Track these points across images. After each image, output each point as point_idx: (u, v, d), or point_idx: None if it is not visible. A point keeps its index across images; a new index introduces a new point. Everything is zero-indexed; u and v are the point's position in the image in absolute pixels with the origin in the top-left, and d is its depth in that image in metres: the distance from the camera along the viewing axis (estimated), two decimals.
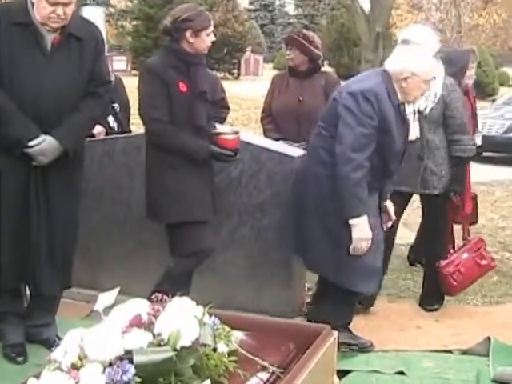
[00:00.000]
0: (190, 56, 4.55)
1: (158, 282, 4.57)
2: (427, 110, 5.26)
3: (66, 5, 3.99)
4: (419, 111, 5.24)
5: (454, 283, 5.47)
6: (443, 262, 5.47)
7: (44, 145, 4.08)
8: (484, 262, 5.60)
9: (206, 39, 4.56)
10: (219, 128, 4.64)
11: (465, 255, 5.54)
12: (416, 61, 4.53)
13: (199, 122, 4.55)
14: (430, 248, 5.69)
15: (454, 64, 6.32)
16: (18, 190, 4.16)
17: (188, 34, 4.50)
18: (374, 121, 4.38)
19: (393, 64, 4.56)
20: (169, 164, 4.51)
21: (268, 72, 31.51)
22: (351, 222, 4.38)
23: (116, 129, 6.33)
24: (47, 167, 4.15)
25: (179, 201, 4.52)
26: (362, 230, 4.39)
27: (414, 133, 5.12)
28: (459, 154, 5.37)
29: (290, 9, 68.36)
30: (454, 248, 5.68)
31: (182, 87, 4.49)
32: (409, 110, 5.03)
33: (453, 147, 5.37)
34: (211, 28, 4.58)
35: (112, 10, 49.07)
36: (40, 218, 4.20)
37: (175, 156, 4.49)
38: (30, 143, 4.06)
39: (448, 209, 5.55)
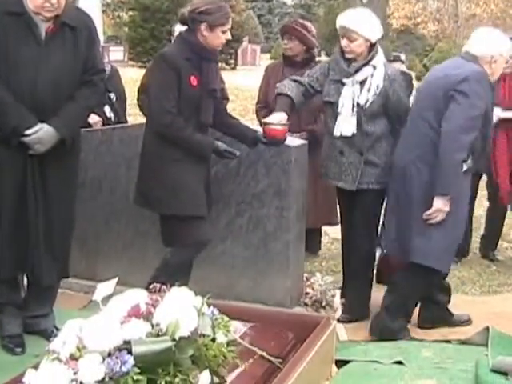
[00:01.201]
0: (204, 50, 4.50)
1: (154, 273, 4.56)
2: (368, 104, 4.98)
3: None
4: (358, 105, 4.97)
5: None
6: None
7: (41, 133, 4.07)
8: None
9: (221, 36, 4.49)
10: (268, 119, 4.79)
11: None
12: (501, 42, 4.68)
13: (205, 119, 4.54)
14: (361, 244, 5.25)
15: None
16: (15, 180, 4.15)
17: (203, 26, 4.44)
18: (482, 103, 4.52)
19: (482, 48, 4.66)
20: (170, 156, 4.49)
21: (265, 62, 31.42)
22: (438, 197, 4.54)
23: (113, 119, 6.33)
24: (44, 157, 4.14)
25: (175, 195, 4.49)
26: (444, 205, 4.54)
27: (350, 128, 4.99)
28: None
29: None
30: None
31: (193, 81, 4.45)
32: (347, 104, 4.97)
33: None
34: (228, 26, 4.50)
35: (109, 0, 48.97)
36: (37, 208, 4.20)
37: (177, 148, 4.47)
38: (27, 132, 4.05)
39: (380, 202, 5.24)
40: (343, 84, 5.00)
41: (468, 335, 4.82)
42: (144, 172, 4.64)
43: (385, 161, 5.05)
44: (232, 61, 37.56)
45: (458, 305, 5.55)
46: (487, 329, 4.72)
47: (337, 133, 5.03)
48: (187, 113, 4.46)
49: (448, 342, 4.81)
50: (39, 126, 4.07)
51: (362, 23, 4.93)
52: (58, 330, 3.60)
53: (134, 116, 9.11)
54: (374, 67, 4.97)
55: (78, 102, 4.23)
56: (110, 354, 2.57)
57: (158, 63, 4.59)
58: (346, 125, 4.99)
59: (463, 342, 4.76)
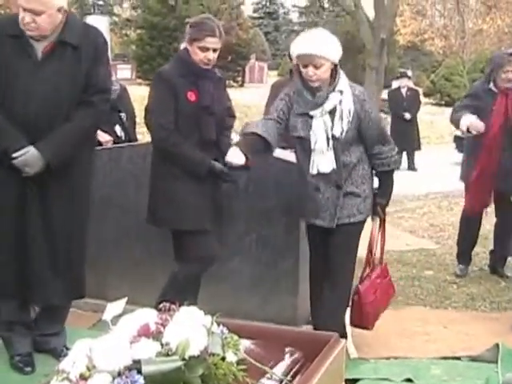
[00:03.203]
0: (194, 66, 4.55)
1: (162, 291, 4.59)
2: (344, 134, 4.42)
3: (34, 13, 3.96)
4: (334, 137, 4.41)
5: (372, 312, 4.79)
6: (362, 288, 4.73)
7: (27, 156, 4.03)
8: (391, 291, 5.02)
9: (198, 52, 4.52)
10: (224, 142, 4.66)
11: (378, 281, 4.85)
12: None
13: (207, 135, 4.56)
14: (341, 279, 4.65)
15: (488, 64, 6.43)
16: (13, 200, 4.14)
17: (186, 39, 4.57)
18: None
19: None
20: (171, 173, 4.54)
21: (272, 79, 31.54)
22: None
23: (123, 138, 6.36)
24: (42, 176, 4.11)
25: (176, 210, 4.54)
26: None
27: (329, 164, 4.45)
28: (382, 168, 4.61)
29: (294, 16, 68.43)
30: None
31: (191, 97, 4.49)
32: (321, 138, 4.42)
33: (375, 162, 4.59)
34: (204, 43, 4.50)
35: (116, 19, 49.24)
36: (37, 227, 4.16)
37: (177, 165, 4.50)
38: (14, 154, 4.03)
39: (359, 237, 4.68)
40: (311, 117, 4.44)
41: (478, 352, 4.80)
42: (151, 190, 4.69)
43: (364, 188, 4.57)
44: (239, 78, 37.67)
45: (467, 321, 5.54)
46: (497, 345, 4.71)
47: (313, 170, 4.48)
48: (187, 129, 4.50)
49: (458, 358, 4.79)
50: (26, 149, 4.04)
51: (328, 45, 4.38)
52: (67, 349, 3.61)
53: (143, 134, 9.13)
54: (341, 92, 4.41)
55: (71, 123, 4.15)
56: (119, 374, 2.56)
57: (155, 81, 4.69)
58: (323, 161, 4.46)
59: (473, 359, 4.74)
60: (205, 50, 4.51)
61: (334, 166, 4.45)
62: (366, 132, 4.48)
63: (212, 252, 4.63)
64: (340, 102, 4.39)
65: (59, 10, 4.04)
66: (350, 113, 4.40)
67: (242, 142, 4.39)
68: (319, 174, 4.49)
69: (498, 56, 6.54)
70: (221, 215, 4.71)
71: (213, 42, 4.53)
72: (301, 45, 4.39)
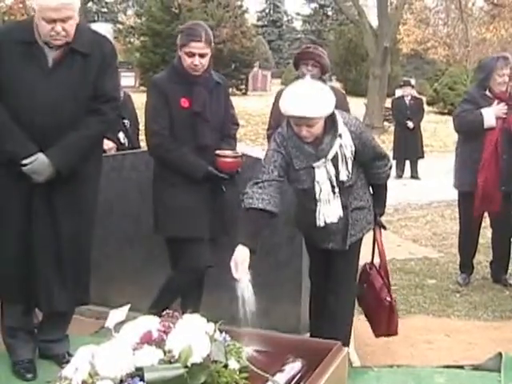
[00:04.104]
0: (188, 73, 4.56)
1: (158, 293, 4.67)
2: (350, 175, 4.24)
3: (63, 21, 3.94)
4: (342, 182, 4.23)
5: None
6: (390, 299, 4.66)
7: (35, 164, 4.03)
8: None
9: (185, 58, 4.53)
10: (222, 150, 4.65)
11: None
12: None
13: (202, 141, 4.56)
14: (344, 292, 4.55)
15: (481, 70, 6.44)
16: (21, 207, 4.14)
17: (178, 46, 4.60)
18: None
19: None
20: (168, 180, 4.56)
21: (276, 87, 31.59)
22: None
23: (127, 145, 6.36)
24: (52, 184, 4.11)
25: (174, 216, 4.55)
26: None
27: (336, 213, 4.27)
28: (377, 182, 4.53)
29: (298, 24, 68.47)
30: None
31: (184, 103, 4.51)
32: (325, 187, 4.20)
33: (370, 176, 4.47)
34: (189, 48, 4.50)
35: (120, 26, 49.34)
36: (44, 234, 4.16)
37: (174, 173, 4.51)
38: (23, 161, 4.02)
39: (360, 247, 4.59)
40: (313, 167, 4.20)
41: (481, 361, 4.79)
42: (153, 197, 4.70)
43: (367, 198, 4.49)
44: (243, 86, 37.69)
45: (470, 330, 5.53)
46: (500, 354, 4.70)
47: (321, 222, 4.28)
48: (183, 135, 4.52)
49: (461, 367, 4.78)
50: (35, 156, 4.04)
51: (321, 103, 4.02)
52: (70, 355, 3.60)
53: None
54: (340, 136, 4.14)
55: (79, 131, 4.13)
56: (122, 381, 2.56)
57: (149, 88, 4.73)
58: (329, 212, 4.26)
59: (476, 368, 4.73)
60: (191, 55, 4.51)
61: (341, 213, 4.28)
62: (363, 157, 4.30)
63: (203, 263, 4.63)
64: (340, 145, 4.15)
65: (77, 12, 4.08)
66: (352, 153, 4.19)
67: (246, 220, 4.13)
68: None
69: (491, 60, 6.54)
70: (221, 224, 4.70)
71: (198, 47, 4.51)
72: (292, 106, 4.01)
